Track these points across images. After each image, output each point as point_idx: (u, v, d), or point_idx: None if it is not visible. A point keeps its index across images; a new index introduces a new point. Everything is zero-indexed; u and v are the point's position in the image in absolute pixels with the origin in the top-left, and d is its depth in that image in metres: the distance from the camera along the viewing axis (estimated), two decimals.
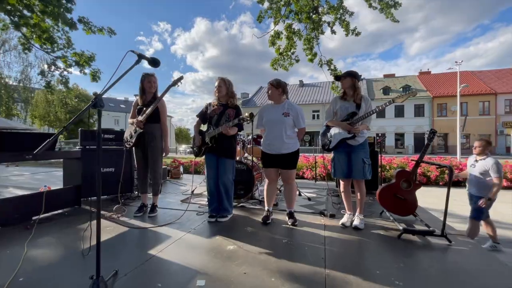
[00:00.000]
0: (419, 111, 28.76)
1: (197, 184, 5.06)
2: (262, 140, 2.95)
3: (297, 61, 6.44)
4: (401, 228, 2.44)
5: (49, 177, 7.73)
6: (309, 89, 37.04)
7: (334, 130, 2.68)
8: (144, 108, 2.96)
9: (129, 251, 2.10)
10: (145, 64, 1.72)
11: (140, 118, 2.95)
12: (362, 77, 33.62)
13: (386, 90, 30.29)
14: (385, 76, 35.12)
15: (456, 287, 1.58)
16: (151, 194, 3.22)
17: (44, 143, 1.28)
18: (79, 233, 2.46)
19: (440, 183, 7.20)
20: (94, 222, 2.88)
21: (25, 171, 9.44)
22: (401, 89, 29.86)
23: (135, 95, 12.02)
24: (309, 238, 2.38)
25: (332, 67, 5.98)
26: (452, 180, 2.37)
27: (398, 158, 8.38)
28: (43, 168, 10.49)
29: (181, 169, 6.81)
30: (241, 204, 3.57)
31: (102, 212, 3.22)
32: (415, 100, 28.51)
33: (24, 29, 4.50)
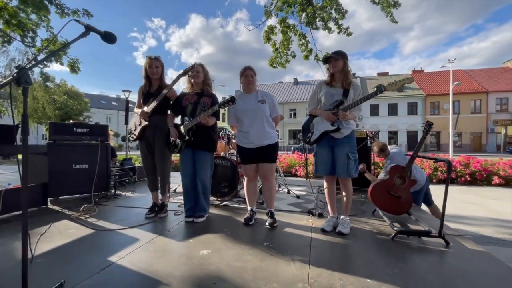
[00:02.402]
0: (412, 109, 28.88)
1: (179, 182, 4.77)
2: (237, 134, 2.68)
3: (293, 56, 6.25)
4: (395, 228, 2.21)
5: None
6: (303, 87, 36.89)
7: (317, 121, 2.41)
8: (152, 98, 2.66)
9: (85, 258, 1.82)
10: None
11: (146, 109, 2.66)
12: (356, 76, 33.65)
13: (380, 88, 30.38)
14: (379, 74, 35.20)
15: None
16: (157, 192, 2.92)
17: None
18: (34, 237, 2.17)
19: (434, 180, 7.07)
20: (59, 223, 2.62)
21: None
22: None
23: (124, 91, 11.52)
24: (294, 241, 2.14)
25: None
26: (450, 175, 2.15)
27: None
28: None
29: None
30: (225, 203, 3.32)
31: (70, 212, 2.93)
32: (408, 98, 28.63)
33: None
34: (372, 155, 4.35)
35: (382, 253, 1.93)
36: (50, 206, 3.23)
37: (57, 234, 2.26)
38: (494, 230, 3.67)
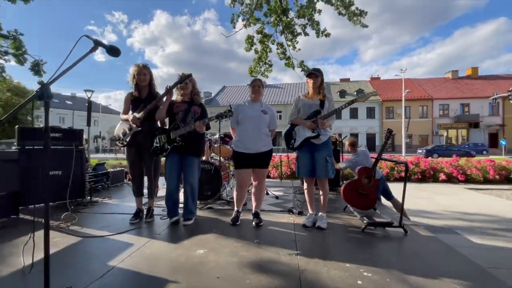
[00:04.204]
0: (370, 113, 31.37)
1: (161, 186, 4.75)
2: (234, 140, 2.86)
3: (270, 65, 6.50)
4: (364, 221, 2.58)
5: None
6: (271, 90, 37.73)
7: (298, 129, 2.71)
8: (143, 104, 2.68)
9: (83, 264, 1.85)
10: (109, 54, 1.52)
11: (137, 115, 2.66)
12: None
13: (342, 93, 32.51)
14: (341, 80, 37.59)
15: (415, 273, 1.71)
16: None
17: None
18: (17, 248, 2.10)
19: (391, 179, 7.91)
20: (39, 232, 2.52)
21: None
22: (355, 93, 32.25)
23: (85, 91, 10.77)
24: (280, 237, 2.38)
25: (305, 68, 6.17)
26: (407, 175, 2.58)
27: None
28: None
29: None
30: (208, 205, 3.44)
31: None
32: (367, 103, 31.02)
33: None
34: (340, 156, 4.86)
35: (355, 242, 2.27)
36: (21, 216, 3.05)
37: (42, 244, 2.20)
38: (440, 220, 4.34)
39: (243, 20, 6.61)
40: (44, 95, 1.17)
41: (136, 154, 2.80)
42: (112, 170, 5.11)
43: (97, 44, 1.48)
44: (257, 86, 2.80)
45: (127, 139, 2.75)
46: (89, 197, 3.78)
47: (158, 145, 2.70)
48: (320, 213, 2.70)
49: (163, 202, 3.51)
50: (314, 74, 2.59)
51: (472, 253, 2.75)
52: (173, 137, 2.63)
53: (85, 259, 1.93)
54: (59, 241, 2.26)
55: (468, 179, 8.10)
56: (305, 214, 2.95)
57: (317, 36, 6.30)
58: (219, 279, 1.64)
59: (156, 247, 2.14)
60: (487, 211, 5.10)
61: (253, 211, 2.80)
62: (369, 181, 2.99)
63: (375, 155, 3.08)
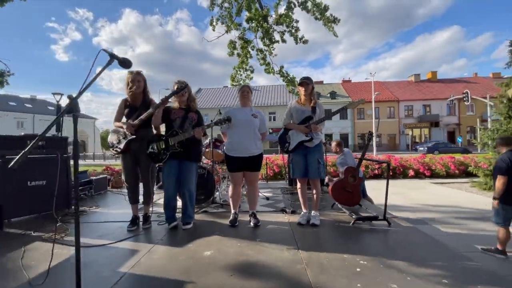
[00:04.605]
0: (343, 114, 32.84)
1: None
2: (226, 144, 2.98)
3: (252, 71, 6.62)
4: (353, 217, 2.84)
5: None
6: None
7: (292, 133, 2.91)
8: (138, 112, 2.69)
9: (93, 273, 1.86)
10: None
11: (132, 122, 2.65)
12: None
13: (316, 95, 33.76)
14: (315, 83, 38.79)
15: (402, 259, 1.97)
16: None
17: (20, 154, 1.08)
18: (13, 262, 2.03)
19: (367, 176, 8.46)
20: (32, 246, 2.42)
21: None
22: (328, 95, 33.62)
23: (54, 94, 10.15)
24: (279, 235, 2.55)
25: (285, 74, 6.38)
26: (390, 173, 2.89)
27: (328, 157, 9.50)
28: None
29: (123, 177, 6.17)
30: (203, 209, 3.51)
31: (37, 234, 2.73)
32: (340, 105, 32.38)
33: None
34: (324, 157, 5.16)
35: (347, 236, 2.51)
36: (6, 229, 2.89)
37: (41, 256, 2.15)
38: (412, 213, 4.81)
39: (222, 23, 6.71)
40: (73, 109, 1.22)
41: (132, 161, 2.81)
42: (95, 178, 4.93)
43: (113, 57, 1.55)
44: (246, 92, 2.94)
45: (121, 147, 2.75)
46: (73, 207, 3.64)
47: (156, 151, 2.73)
48: (313, 211, 2.91)
49: (157, 208, 3.52)
50: (305, 83, 2.80)
51: (441, 240, 3.13)
52: (171, 143, 2.68)
53: (94, 268, 1.93)
54: (60, 252, 2.21)
55: (433, 174, 8.93)
56: (298, 213, 3.15)
57: (296, 43, 6.59)
58: (233, 277, 1.76)
59: (162, 252, 2.20)
60: (450, 202, 5.73)
61: (250, 212, 2.93)
62: (354, 180, 3.26)
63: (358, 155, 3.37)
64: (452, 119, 31.35)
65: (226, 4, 6.62)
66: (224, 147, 3.07)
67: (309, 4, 6.18)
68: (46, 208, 3.30)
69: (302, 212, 2.96)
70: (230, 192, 3.00)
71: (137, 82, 2.76)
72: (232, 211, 2.97)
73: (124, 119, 2.86)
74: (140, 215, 2.95)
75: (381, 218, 2.78)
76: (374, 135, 21.58)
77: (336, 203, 3.39)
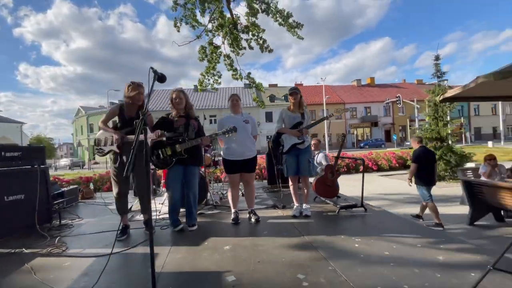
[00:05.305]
0: None
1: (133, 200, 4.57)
2: (223, 149, 3.20)
3: (219, 76, 6.78)
4: (338, 206, 3.37)
5: None
6: (204, 94, 37.38)
7: (285, 137, 3.31)
8: (129, 128, 2.68)
9: (125, 276, 1.94)
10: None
11: (121, 134, 2.65)
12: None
13: (272, 98, 35.23)
14: (270, 85, 40.47)
15: (385, 233, 2.52)
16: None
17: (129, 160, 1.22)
18: (30, 279, 1.97)
19: None
20: (34, 262, 2.28)
21: None
22: (283, 98, 35.33)
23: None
24: (282, 226, 2.91)
25: (252, 80, 6.71)
26: (365, 169, 3.51)
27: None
28: None
29: (91, 186, 5.79)
30: (199, 211, 3.66)
31: (31, 250, 2.57)
32: None
33: None
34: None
35: (337, 221, 3.03)
36: None
37: (55, 271, 2.09)
38: (370, 201, 5.66)
39: (186, 23, 6.76)
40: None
41: (125, 173, 2.80)
42: (66, 189, 4.57)
43: (156, 73, 1.74)
44: (235, 101, 3.23)
45: (106, 150, 2.74)
46: (57, 221, 3.42)
47: (162, 157, 2.82)
48: (304, 204, 3.34)
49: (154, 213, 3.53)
50: (295, 93, 3.25)
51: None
52: (178, 150, 2.81)
53: (122, 273, 2.01)
54: (71, 264, 2.18)
55: (379, 168, 10.38)
56: (289, 207, 3.56)
57: (262, 51, 7.00)
58: (260, 262, 2.05)
59: (183, 251, 2.35)
60: (396, 191, 6.86)
61: (249, 210, 3.23)
62: (332, 175, 3.82)
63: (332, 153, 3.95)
64: (388, 119, 36.05)
65: (189, 5, 6.67)
66: (222, 152, 3.29)
67: (270, 10, 6.58)
68: (26, 224, 3.05)
69: (295, 206, 3.37)
70: (229, 193, 3.24)
71: (141, 95, 2.77)
72: (233, 210, 3.21)
73: (110, 124, 2.83)
74: (134, 222, 2.97)
75: (359, 206, 3.36)
76: (326, 134, 23.53)
77: (318, 196, 3.90)
